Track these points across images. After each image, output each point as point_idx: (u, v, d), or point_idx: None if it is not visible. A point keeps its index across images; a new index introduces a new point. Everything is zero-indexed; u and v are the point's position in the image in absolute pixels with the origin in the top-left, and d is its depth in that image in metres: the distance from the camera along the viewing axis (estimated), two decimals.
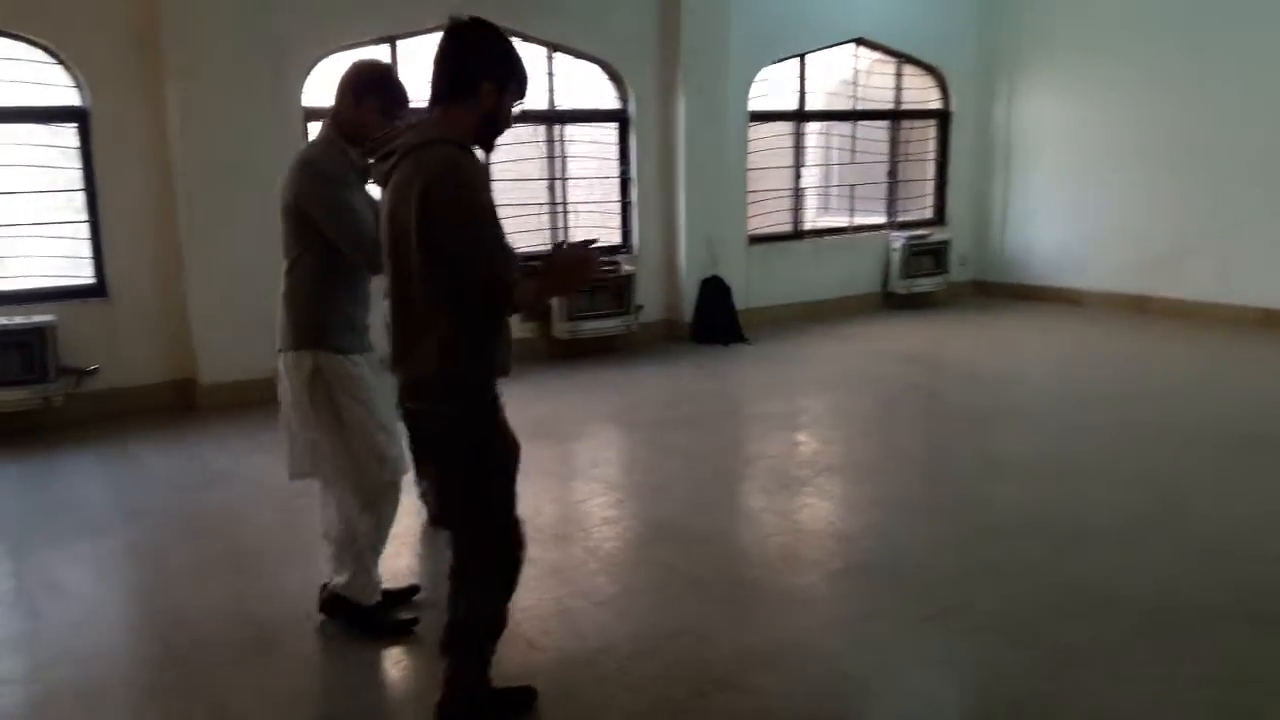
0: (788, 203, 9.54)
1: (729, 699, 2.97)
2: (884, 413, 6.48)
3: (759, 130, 9.14)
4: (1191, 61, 8.57)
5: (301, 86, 6.78)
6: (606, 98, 8.37)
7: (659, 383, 7.25)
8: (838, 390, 6.92)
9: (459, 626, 2.69)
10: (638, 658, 3.23)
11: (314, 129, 6.69)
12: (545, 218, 8.19)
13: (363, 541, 3.30)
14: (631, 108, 8.33)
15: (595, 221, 8.46)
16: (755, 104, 8.99)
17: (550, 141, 8.15)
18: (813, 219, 9.95)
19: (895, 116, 10.18)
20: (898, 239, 9.85)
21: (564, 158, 8.21)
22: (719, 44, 8.39)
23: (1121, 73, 9.09)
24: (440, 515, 2.71)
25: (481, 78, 2.46)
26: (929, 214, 10.52)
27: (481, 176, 2.46)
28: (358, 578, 3.34)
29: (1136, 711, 2.86)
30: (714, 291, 8.58)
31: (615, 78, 8.33)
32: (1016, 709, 2.89)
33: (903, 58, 10.00)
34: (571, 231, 8.26)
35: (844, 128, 10.02)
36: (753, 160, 9.05)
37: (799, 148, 9.53)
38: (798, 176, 9.54)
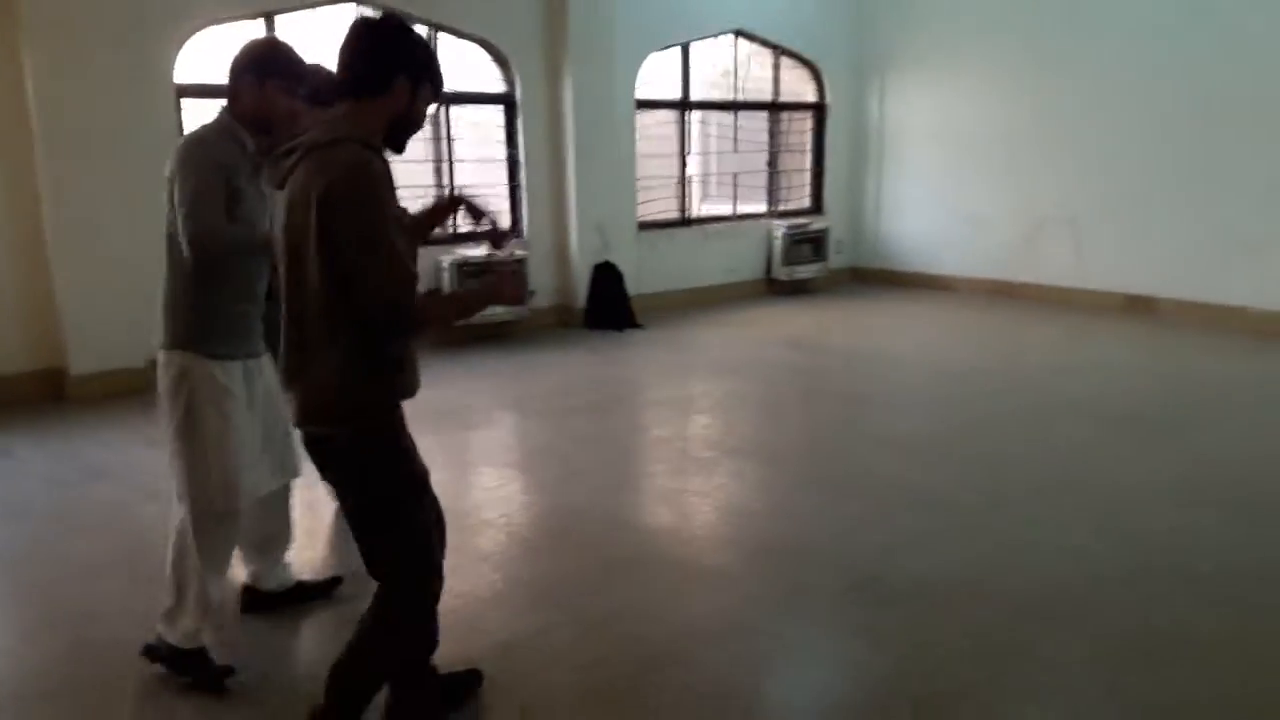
0: (674, 190, 9.63)
1: (675, 674, 2.98)
2: (776, 395, 6.64)
3: (645, 118, 9.20)
4: (1045, 61, 9.10)
5: (173, 62, 6.40)
6: (493, 80, 8.25)
7: (557, 369, 7.20)
8: (731, 374, 7.04)
9: (396, 666, 2.53)
10: (581, 639, 3.21)
11: (189, 107, 6.52)
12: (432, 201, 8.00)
13: (190, 572, 2.88)
14: (519, 91, 8.23)
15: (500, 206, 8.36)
16: (641, 91, 9.03)
17: (436, 123, 7.97)
18: (698, 207, 10.09)
19: (774, 108, 10.42)
20: (779, 227, 10.09)
21: (450, 140, 8.04)
22: (606, 29, 8.39)
23: (983, 71, 9.57)
24: (358, 543, 2.41)
25: (396, 73, 2.24)
26: (808, 203, 10.83)
27: (388, 182, 2.18)
28: (175, 615, 2.91)
29: (1048, 666, 3.03)
30: (606, 277, 8.59)
31: (501, 60, 8.21)
32: (937, 671, 3.01)
33: (781, 51, 10.24)
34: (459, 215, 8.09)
35: (726, 118, 10.19)
36: (640, 147, 9.08)
37: (684, 136, 9.63)
38: (683, 164, 9.65)
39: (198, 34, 6.51)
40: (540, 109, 8.33)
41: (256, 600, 3.41)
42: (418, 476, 2.43)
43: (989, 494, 4.51)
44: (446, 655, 2.81)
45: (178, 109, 6.43)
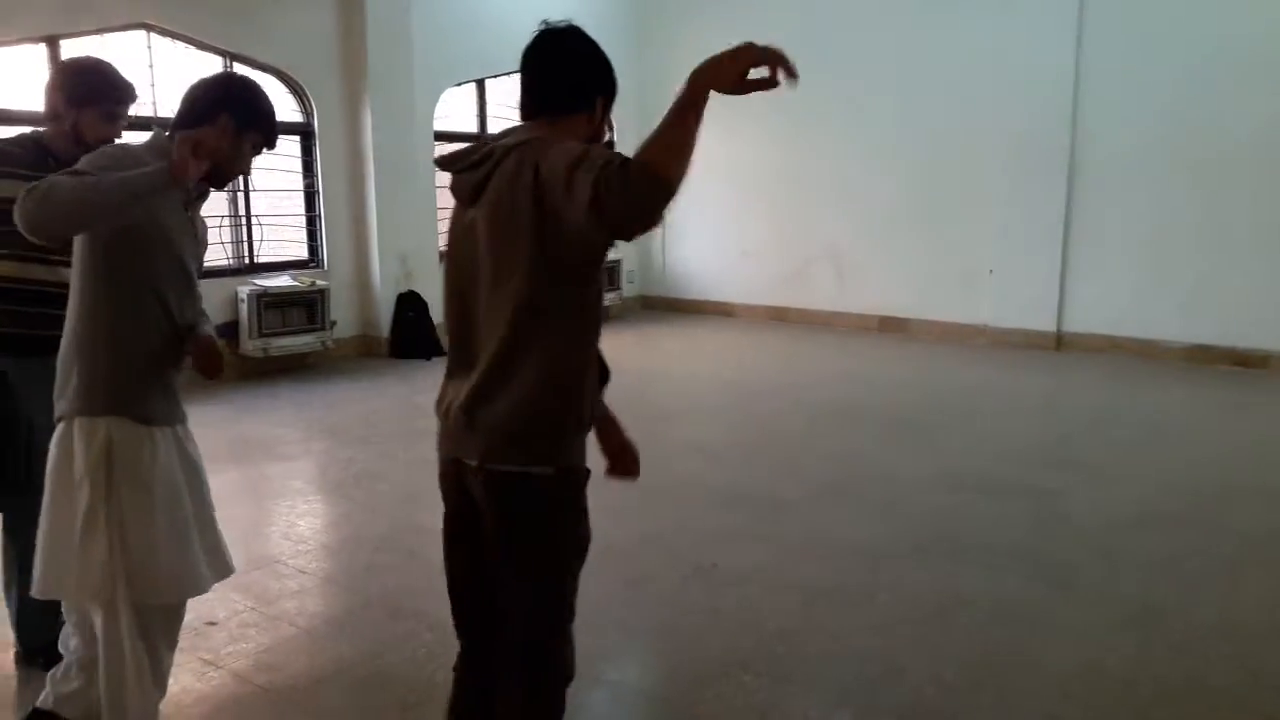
0: None
1: None
2: None
3: (444, 149, 9.37)
4: (811, 108, 10.02)
5: None
6: (288, 110, 8.18)
7: (372, 397, 7.24)
8: None
9: None
10: (441, 644, 3.42)
11: None
12: (228, 230, 7.83)
13: (129, 688, 2.33)
14: (316, 121, 8.21)
15: (284, 236, 8.27)
16: (440, 124, 9.23)
17: None
18: None
19: None
20: None
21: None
22: (404, 61, 8.54)
23: (758, 116, 10.33)
24: (516, 623, 2.04)
25: (595, 92, 2.04)
26: None
27: None
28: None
29: (866, 633, 3.56)
30: (410, 307, 8.68)
31: (296, 90, 8.17)
32: (776, 640, 3.47)
33: None
34: (257, 245, 7.97)
35: None
36: (440, 178, 9.26)
37: None
38: None
39: None
40: (338, 140, 8.35)
41: None
42: (587, 538, 2.10)
43: (786, 492, 5.08)
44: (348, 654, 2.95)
45: None
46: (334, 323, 8.14)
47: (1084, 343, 8.86)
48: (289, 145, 8.14)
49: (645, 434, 6.37)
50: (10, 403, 2.97)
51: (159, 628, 2.40)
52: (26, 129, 3.03)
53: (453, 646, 2.24)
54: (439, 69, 9.00)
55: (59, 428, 2.34)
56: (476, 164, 1.97)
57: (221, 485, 3.65)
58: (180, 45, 7.36)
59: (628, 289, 11.18)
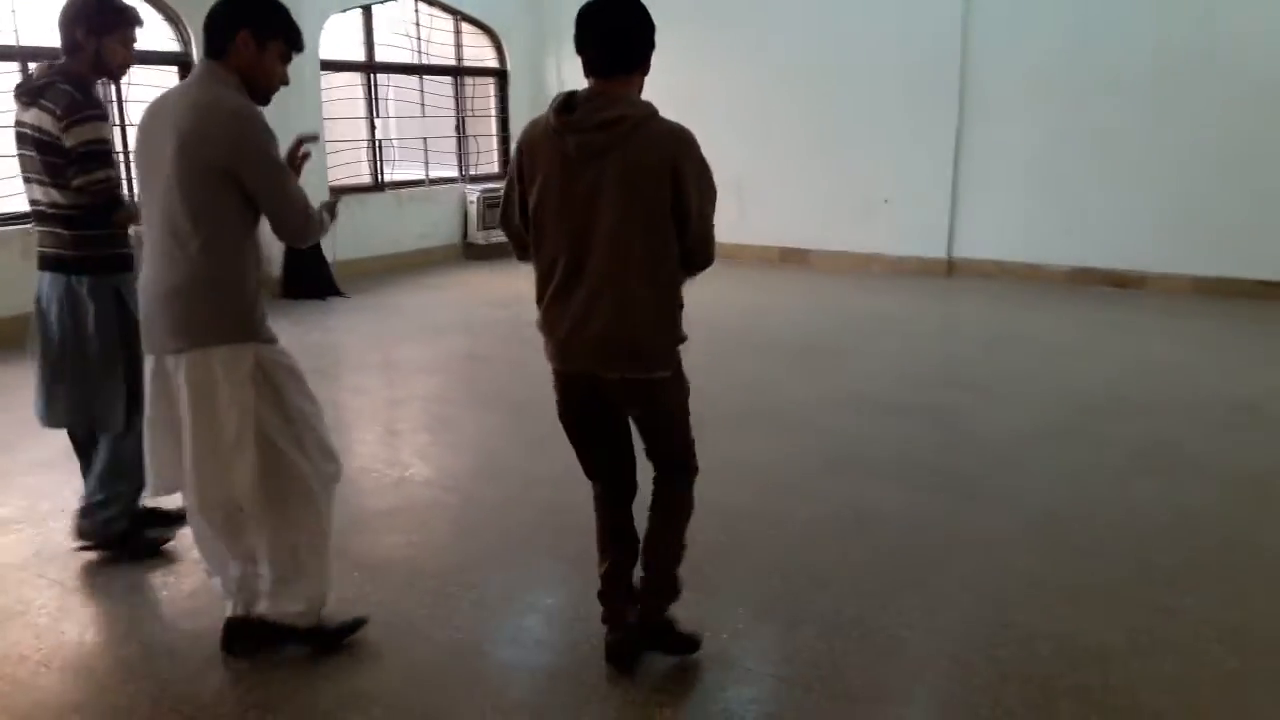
0: (366, 154, 9.52)
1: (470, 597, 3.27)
2: (500, 349, 6.95)
3: (331, 79, 9.00)
4: (712, 40, 10.04)
5: None
6: (163, 39, 7.70)
7: None
8: (453, 335, 7.23)
9: (674, 560, 2.84)
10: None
11: None
12: None
13: (317, 543, 2.80)
14: (194, 50, 7.75)
15: None
16: (325, 52, 8.83)
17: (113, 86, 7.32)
18: (390, 172, 10.03)
19: (458, 73, 10.57)
20: (473, 192, 10.31)
21: (121, 103, 7.42)
22: None
23: (659, 45, 10.34)
24: (662, 459, 2.78)
25: (650, 49, 2.53)
26: (496, 168, 11.11)
27: None
28: (308, 588, 2.81)
29: (788, 549, 3.67)
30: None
31: (172, 18, 7.68)
32: (703, 559, 3.54)
33: (460, 16, 10.38)
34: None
35: (412, 82, 10.18)
36: (327, 110, 8.89)
37: (372, 100, 9.53)
38: (373, 128, 9.55)
39: None
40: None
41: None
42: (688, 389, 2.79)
43: (701, 418, 5.12)
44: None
45: None
46: None
47: (974, 268, 9.19)
48: (165, 76, 7.67)
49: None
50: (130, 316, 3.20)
51: (326, 499, 2.81)
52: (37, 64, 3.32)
53: None
54: None
55: (185, 357, 2.54)
56: (600, 128, 2.40)
57: None
58: None
59: None
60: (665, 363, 2.61)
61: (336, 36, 9.05)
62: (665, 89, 10.74)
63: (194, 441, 2.59)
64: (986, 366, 6.26)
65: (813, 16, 9.45)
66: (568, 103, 2.47)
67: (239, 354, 2.57)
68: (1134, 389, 5.69)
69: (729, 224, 10.36)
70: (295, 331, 7.24)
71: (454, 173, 10.61)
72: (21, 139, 3.26)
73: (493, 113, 11.03)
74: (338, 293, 8.37)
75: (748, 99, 9.97)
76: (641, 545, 2.85)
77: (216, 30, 2.56)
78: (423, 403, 5.63)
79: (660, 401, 2.66)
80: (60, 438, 3.68)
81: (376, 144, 9.61)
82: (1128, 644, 2.97)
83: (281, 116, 8.52)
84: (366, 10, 9.30)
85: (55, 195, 3.24)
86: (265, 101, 2.65)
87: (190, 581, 3.39)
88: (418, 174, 10.24)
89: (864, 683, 2.80)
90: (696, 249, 2.55)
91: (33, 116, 3.19)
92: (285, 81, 2.71)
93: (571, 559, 3.53)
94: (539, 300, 2.63)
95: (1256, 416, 5.17)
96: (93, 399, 3.37)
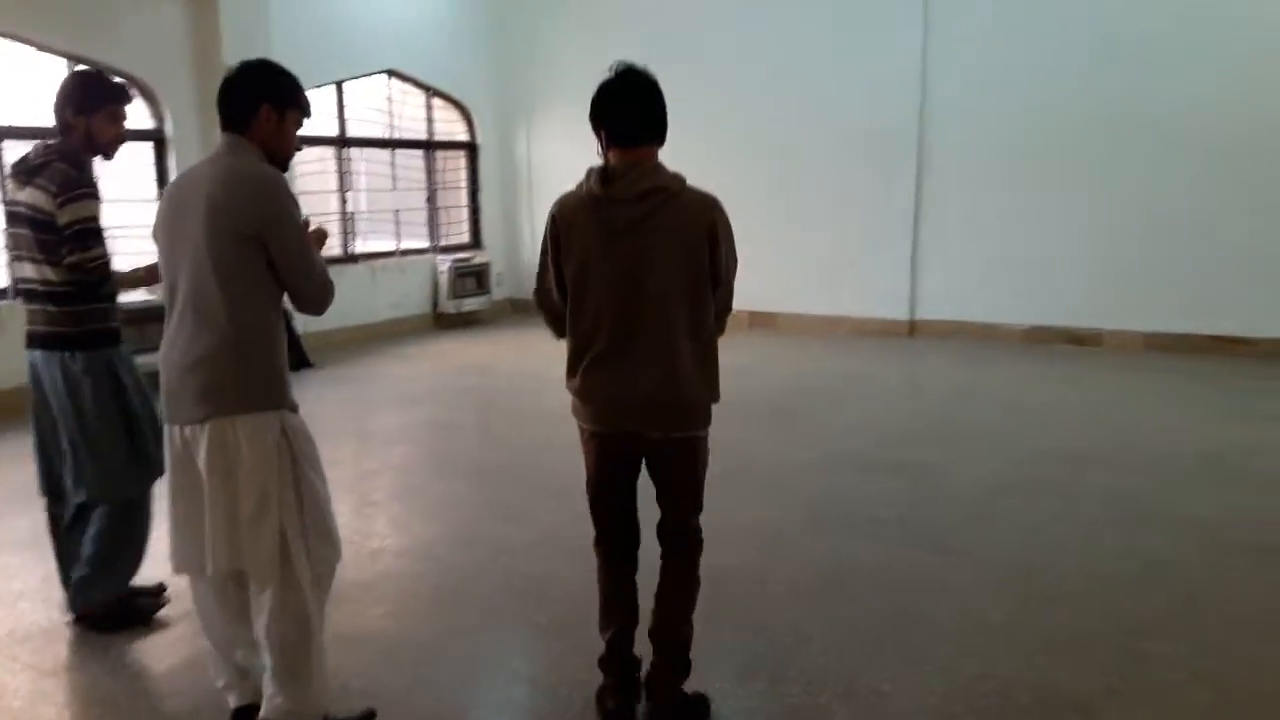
0: (338, 226, 9.63)
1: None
2: (470, 417, 7.00)
3: (304, 154, 9.12)
4: (672, 110, 10.32)
5: None
6: (139, 116, 7.80)
7: None
8: (424, 404, 7.27)
9: (687, 637, 2.90)
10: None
11: None
12: None
13: (317, 637, 2.71)
14: (169, 127, 7.86)
15: (132, 247, 7.84)
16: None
17: None
18: (362, 243, 10.13)
19: (429, 146, 10.76)
20: (444, 262, 10.43)
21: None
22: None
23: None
24: (679, 521, 2.90)
25: (666, 126, 2.72)
26: (467, 238, 11.26)
27: None
28: (314, 684, 2.71)
29: (771, 607, 3.73)
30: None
31: (148, 95, 7.80)
32: None
33: (431, 91, 10.62)
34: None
35: (384, 155, 10.35)
36: (301, 184, 9.00)
37: (344, 173, 9.67)
38: (344, 201, 9.68)
39: None
40: (194, 146, 7.98)
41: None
42: None
43: None
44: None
45: None
46: None
47: (935, 328, 9.42)
48: (142, 153, 7.76)
49: (534, 437, 6.50)
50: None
51: (326, 586, 2.78)
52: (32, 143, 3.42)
53: None
54: (298, 71, 8.58)
55: (209, 426, 2.52)
56: (640, 199, 2.60)
57: None
58: (18, 46, 6.93)
59: (497, 291, 11.13)
60: (706, 420, 2.79)
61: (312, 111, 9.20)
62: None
63: (213, 511, 2.55)
64: (952, 424, 6.41)
65: (774, 86, 9.78)
66: (606, 175, 2.63)
67: (266, 422, 2.56)
68: (1096, 443, 5.85)
69: None
70: None
71: (425, 243, 10.73)
72: (14, 218, 3.34)
73: (463, 184, 11.21)
74: (308, 364, 8.38)
75: (712, 166, 10.05)
76: (652, 629, 2.87)
77: (238, 105, 2.64)
78: (396, 472, 5.65)
79: (697, 457, 2.81)
80: (31, 516, 3.67)
81: (348, 216, 9.73)
82: (1104, 691, 3.05)
83: None
84: (339, 86, 9.49)
85: (48, 272, 3.31)
86: (285, 169, 2.74)
87: (168, 662, 3.38)
88: (389, 245, 10.35)
89: None
90: (726, 305, 2.79)
91: (28, 195, 3.28)
92: (300, 148, 2.82)
93: (545, 626, 3.57)
94: (574, 369, 2.73)
95: (1218, 469, 5.33)
96: (95, 471, 3.40)
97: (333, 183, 9.61)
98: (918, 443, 5.90)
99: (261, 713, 2.69)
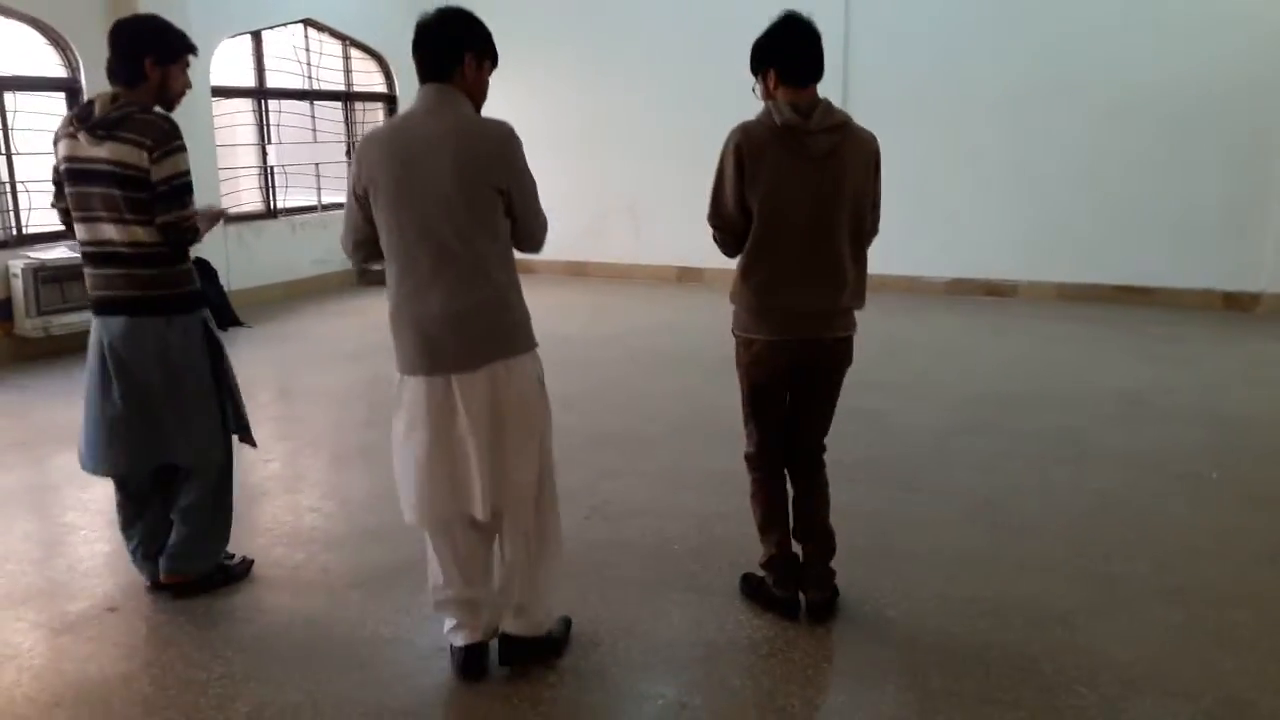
0: (257, 181, 9.32)
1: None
2: None
3: (221, 106, 8.79)
4: (604, 66, 10.31)
5: None
6: (51, 64, 7.37)
7: None
8: (365, 359, 7.18)
9: (833, 530, 3.30)
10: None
11: None
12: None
13: (552, 554, 2.99)
14: (84, 76, 7.45)
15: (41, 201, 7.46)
16: (215, 78, 8.62)
17: None
18: (283, 199, 9.82)
19: (348, 98, 10.46)
20: None
21: (7, 130, 7.07)
22: (177, 10, 7.86)
23: (550, 72, 10.53)
24: (819, 432, 3.31)
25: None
26: None
27: None
28: (545, 602, 2.99)
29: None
30: (201, 275, 8.04)
31: (58, 42, 7.37)
32: (688, 560, 3.72)
33: (349, 41, 10.31)
34: (25, 215, 7.17)
35: (302, 108, 10.02)
36: (219, 136, 8.67)
37: (263, 125, 9.34)
38: (264, 155, 9.36)
39: None
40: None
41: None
42: None
43: (647, 431, 5.36)
44: None
45: None
46: None
47: None
48: (52, 103, 7.34)
49: None
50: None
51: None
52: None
53: None
54: (215, 20, 8.38)
55: (483, 371, 2.67)
56: (831, 130, 2.93)
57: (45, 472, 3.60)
58: None
59: None
60: (856, 323, 3.20)
61: (226, 62, 8.84)
62: (566, 113, 10.99)
63: (482, 452, 2.69)
64: (893, 371, 6.68)
65: (698, 39, 9.83)
66: (798, 109, 2.91)
67: (532, 360, 2.82)
68: (1027, 387, 6.22)
69: (625, 245, 10.66)
70: None
71: (344, 197, 10.45)
72: (89, 176, 3.08)
73: None
74: (238, 322, 8.09)
75: (640, 121, 10.27)
76: (808, 531, 3.27)
77: (443, 54, 2.66)
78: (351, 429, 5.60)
79: (850, 357, 3.18)
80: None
81: (268, 170, 9.41)
82: (1085, 608, 3.32)
83: None
84: (256, 36, 9.14)
85: (139, 233, 3.11)
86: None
87: (166, 614, 3.35)
88: (310, 200, 10.06)
89: (864, 660, 3.04)
90: (876, 226, 3.17)
91: (109, 151, 3.04)
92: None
93: (566, 571, 3.65)
94: (758, 283, 3.02)
95: (1143, 406, 5.76)
96: (195, 438, 3.29)
97: (252, 135, 9.27)
98: (865, 389, 6.10)
99: (511, 630, 2.93)
